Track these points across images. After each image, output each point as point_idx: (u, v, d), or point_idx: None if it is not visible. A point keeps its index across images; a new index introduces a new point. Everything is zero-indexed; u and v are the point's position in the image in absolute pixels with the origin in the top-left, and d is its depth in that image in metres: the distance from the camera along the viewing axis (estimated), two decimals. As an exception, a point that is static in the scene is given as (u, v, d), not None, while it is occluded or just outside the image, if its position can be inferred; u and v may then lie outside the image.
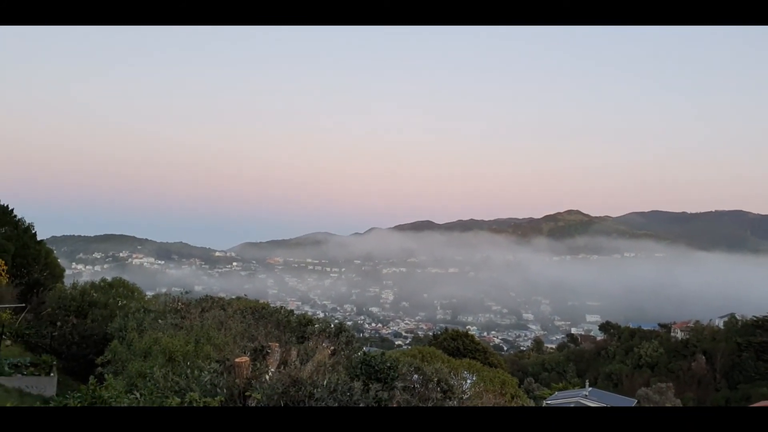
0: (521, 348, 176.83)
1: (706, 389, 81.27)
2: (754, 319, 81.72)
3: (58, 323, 36.01)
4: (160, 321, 26.77)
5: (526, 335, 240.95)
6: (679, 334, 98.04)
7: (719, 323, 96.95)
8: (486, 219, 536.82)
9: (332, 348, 21.81)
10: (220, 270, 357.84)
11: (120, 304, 39.75)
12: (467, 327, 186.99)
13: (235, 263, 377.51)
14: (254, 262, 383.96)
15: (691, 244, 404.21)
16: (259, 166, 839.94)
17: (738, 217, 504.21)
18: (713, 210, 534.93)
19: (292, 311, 33.74)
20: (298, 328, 26.57)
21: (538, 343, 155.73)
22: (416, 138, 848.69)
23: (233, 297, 47.59)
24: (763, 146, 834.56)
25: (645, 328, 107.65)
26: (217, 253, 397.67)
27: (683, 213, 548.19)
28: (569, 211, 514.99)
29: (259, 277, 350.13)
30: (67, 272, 67.47)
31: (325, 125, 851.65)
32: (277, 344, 18.12)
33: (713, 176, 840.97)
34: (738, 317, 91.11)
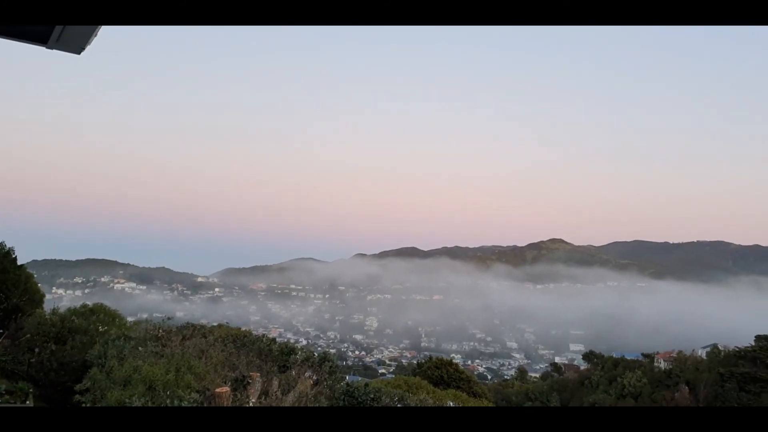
0: (505, 377, 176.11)
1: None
2: (737, 349, 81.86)
3: (36, 350, 35.35)
4: (140, 348, 26.40)
5: (510, 364, 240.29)
6: (663, 364, 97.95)
7: (702, 353, 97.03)
8: (471, 246, 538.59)
9: (315, 378, 21.56)
10: (202, 296, 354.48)
11: (100, 330, 39.14)
12: (451, 355, 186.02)
13: (217, 289, 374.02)
14: (237, 287, 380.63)
15: (673, 274, 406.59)
16: (244, 191, 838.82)
17: (720, 247, 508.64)
18: (695, 240, 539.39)
19: (274, 339, 33.35)
20: (280, 357, 26.26)
21: (521, 372, 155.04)
22: (402, 166, 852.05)
23: (215, 324, 47.11)
24: (746, 179, 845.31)
25: (628, 358, 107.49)
26: (200, 279, 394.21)
27: (665, 243, 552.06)
28: (552, 240, 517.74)
29: (241, 303, 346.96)
30: (48, 297, 66.34)
31: (311, 151, 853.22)
32: (258, 374, 17.89)
33: (696, 207, 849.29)
34: (720, 347, 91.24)
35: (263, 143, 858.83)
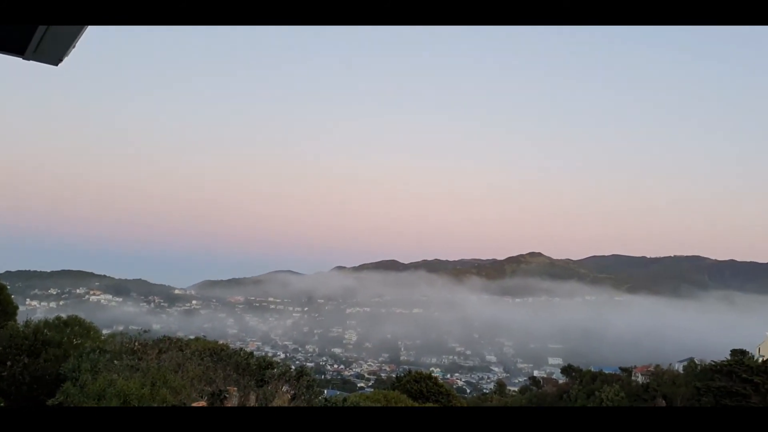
0: (484, 390, 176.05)
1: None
2: (713, 363, 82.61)
3: (9, 363, 34.74)
4: (115, 362, 26.03)
5: (489, 377, 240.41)
6: (640, 378, 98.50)
7: (679, 367, 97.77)
8: (450, 259, 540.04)
9: (292, 392, 21.31)
10: (179, 308, 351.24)
11: (75, 343, 38.61)
12: (431, 369, 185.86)
13: (194, 301, 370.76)
14: (214, 300, 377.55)
15: (650, 289, 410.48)
16: (222, 202, 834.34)
17: (696, 262, 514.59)
18: (672, 255, 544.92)
19: (251, 353, 33.07)
20: (257, 372, 25.95)
21: (500, 385, 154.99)
22: (382, 177, 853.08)
23: (192, 337, 46.64)
24: (721, 193, 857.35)
25: (606, 372, 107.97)
26: (177, 291, 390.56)
27: (642, 257, 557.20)
28: (531, 254, 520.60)
29: (218, 316, 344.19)
30: (21, 309, 65.41)
31: (289, 162, 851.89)
32: (236, 389, 17.64)
33: (673, 221, 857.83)
34: (697, 362, 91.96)
35: (241, 154, 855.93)
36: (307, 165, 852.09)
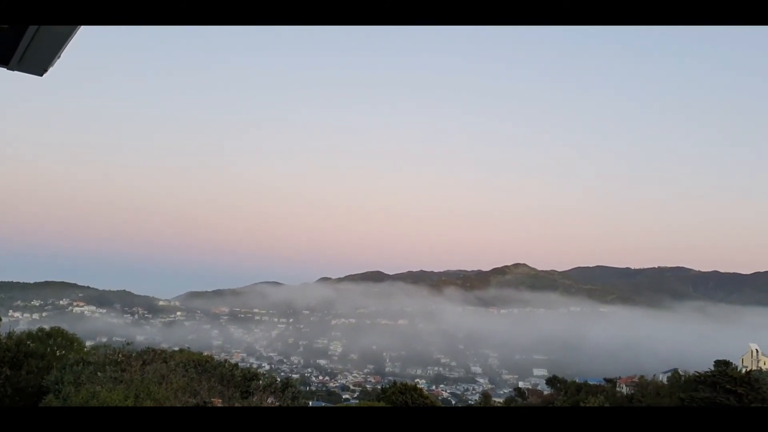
0: (469, 402, 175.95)
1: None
2: (697, 374, 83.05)
3: (-10, 375, 34.35)
4: (99, 374, 25.82)
5: (474, 389, 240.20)
6: (625, 389, 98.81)
7: (663, 378, 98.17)
8: (436, 270, 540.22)
9: (277, 404, 21.22)
10: (162, 319, 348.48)
11: (58, 354, 38.30)
12: (416, 380, 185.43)
13: (179, 313, 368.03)
14: (199, 311, 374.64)
15: (634, 300, 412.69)
16: (207, 212, 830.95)
17: (680, 273, 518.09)
18: (656, 266, 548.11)
19: (236, 365, 32.88)
20: (242, 383, 25.79)
21: (485, 397, 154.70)
22: (367, 188, 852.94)
23: (176, 349, 46.30)
24: (706, 205, 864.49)
25: (591, 383, 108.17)
26: (161, 302, 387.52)
27: (627, 268, 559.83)
28: (516, 264, 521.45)
29: (203, 327, 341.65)
30: (3, 320, 64.70)
31: (276, 174, 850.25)
32: (220, 400, 17.56)
33: (657, 233, 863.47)
34: (681, 373, 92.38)
35: (227, 166, 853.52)
36: (293, 177, 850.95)
